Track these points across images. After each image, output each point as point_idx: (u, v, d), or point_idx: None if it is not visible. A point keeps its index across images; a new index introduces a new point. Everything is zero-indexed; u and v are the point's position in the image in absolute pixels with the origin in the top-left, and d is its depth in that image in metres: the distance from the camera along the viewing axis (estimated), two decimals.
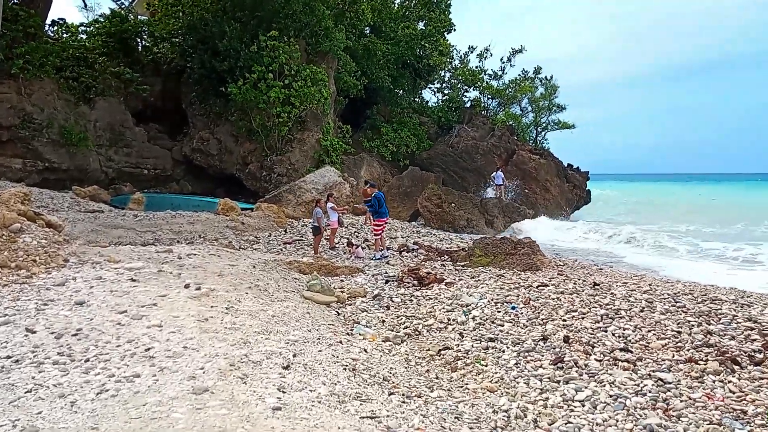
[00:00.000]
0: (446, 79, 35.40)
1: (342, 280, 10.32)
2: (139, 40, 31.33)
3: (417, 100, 38.18)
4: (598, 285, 8.72)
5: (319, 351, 5.90)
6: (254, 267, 8.97)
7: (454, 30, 36.24)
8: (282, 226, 19.53)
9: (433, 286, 9.48)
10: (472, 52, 35.25)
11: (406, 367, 6.34)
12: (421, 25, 35.44)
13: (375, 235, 14.12)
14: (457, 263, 12.21)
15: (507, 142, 31.72)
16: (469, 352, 6.73)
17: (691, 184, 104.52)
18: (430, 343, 7.18)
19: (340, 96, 30.86)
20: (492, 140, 31.50)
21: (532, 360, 6.31)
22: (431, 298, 8.82)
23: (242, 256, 9.96)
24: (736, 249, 19.23)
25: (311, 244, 16.39)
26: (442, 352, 6.87)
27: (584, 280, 9.44)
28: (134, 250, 8.91)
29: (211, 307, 6.41)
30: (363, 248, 14.73)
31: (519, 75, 35.02)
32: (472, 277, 10.41)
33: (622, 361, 5.98)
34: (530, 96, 35.11)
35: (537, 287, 8.82)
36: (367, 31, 35.26)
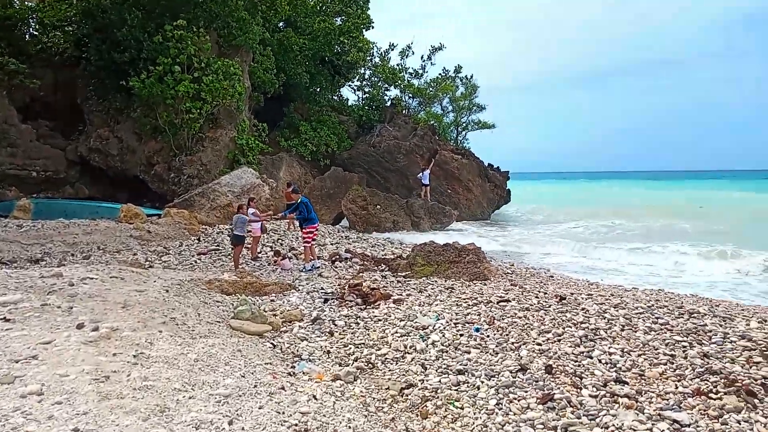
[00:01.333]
0: (366, 76, 34.37)
1: (273, 300, 8.93)
2: (26, 27, 28.08)
3: (336, 98, 36.90)
4: (565, 299, 7.92)
5: (260, 408, 4.59)
6: (168, 291, 7.41)
7: (373, 27, 35.29)
8: (195, 234, 17.71)
9: (379, 305, 8.33)
10: (392, 50, 34.48)
11: (366, 416, 5.16)
12: (338, 21, 34.21)
13: (305, 244, 12.76)
14: (398, 273, 11.14)
15: (429, 141, 31.15)
16: (438, 390, 5.64)
17: (579, 181, 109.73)
18: (389, 379, 6.03)
19: (255, 92, 29.03)
20: (414, 140, 30.81)
21: (516, 399, 5.32)
22: (380, 320, 7.66)
23: (152, 276, 8.33)
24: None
25: (230, 255, 14.80)
26: (406, 391, 5.74)
27: (545, 292, 8.63)
28: (10, 276, 7.10)
29: (114, 355, 4.91)
30: (290, 258, 13.34)
31: (440, 74, 34.64)
32: (420, 291, 9.36)
33: (621, 397, 5.10)
34: (451, 95, 34.80)
35: (499, 303, 7.89)
36: (281, 26, 33.58)
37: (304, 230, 12.81)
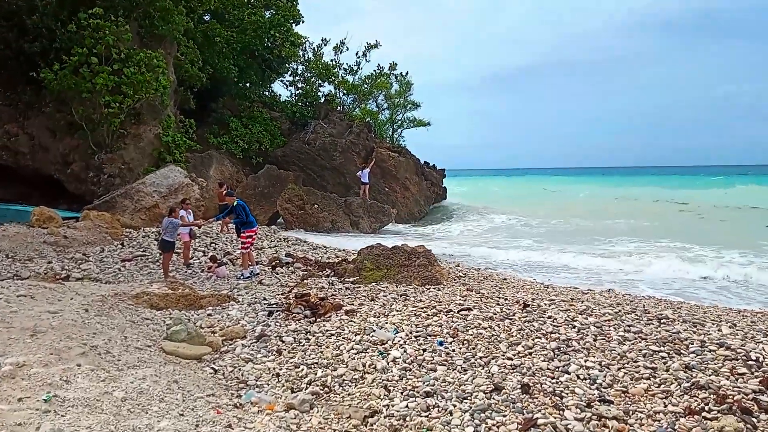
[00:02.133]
0: (299, 72, 33.29)
1: (210, 315, 8.03)
2: None
3: (267, 93, 35.61)
4: (529, 306, 7.49)
5: None
6: (87, 310, 6.40)
7: (303, 21, 34.27)
8: (118, 238, 16.32)
9: (330, 317, 7.62)
10: (326, 45, 33.53)
11: None
12: (267, 14, 32.94)
13: (243, 249, 11.81)
14: (346, 279, 10.44)
15: (366, 139, 30.54)
16: (407, 418, 5.03)
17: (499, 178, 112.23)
18: (349, 405, 5.36)
19: (181, 87, 27.42)
20: (350, 137, 30.11)
21: (495, 425, 4.78)
22: (333, 334, 6.96)
23: (68, 292, 7.24)
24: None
25: (158, 262, 13.65)
26: (370, 420, 5.09)
27: (505, 298, 8.19)
28: None
29: (20, 401, 3.99)
30: (225, 264, 12.36)
31: (374, 70, 34.02)
32: (372, 299, 8.71)
33: (609, 419, 4.66)
34: (386, 92, 34.29)
35: (460, 312, 7.36)
36: (206, 18, 31.98)
37: (242, 235, 11.86)
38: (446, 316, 7.25)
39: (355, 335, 6.84)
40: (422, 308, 7.63)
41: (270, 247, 14.82)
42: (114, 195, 18.78)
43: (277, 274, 11.69)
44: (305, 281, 10.45)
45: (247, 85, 33.32)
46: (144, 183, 19.22)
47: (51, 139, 23.04)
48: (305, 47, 33.12)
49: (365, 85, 33.41)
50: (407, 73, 35.06)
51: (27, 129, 22.94)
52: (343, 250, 15.64)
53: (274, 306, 8.36)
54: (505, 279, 11.01)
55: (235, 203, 11.86)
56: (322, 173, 29.93)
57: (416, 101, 35.91)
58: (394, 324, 7.08)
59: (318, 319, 7.52)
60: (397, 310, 7.69)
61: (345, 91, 33.26)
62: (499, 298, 8.23)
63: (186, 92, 27.41)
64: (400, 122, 36.12)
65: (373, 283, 10.01)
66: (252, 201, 24.67)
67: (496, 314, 7.23)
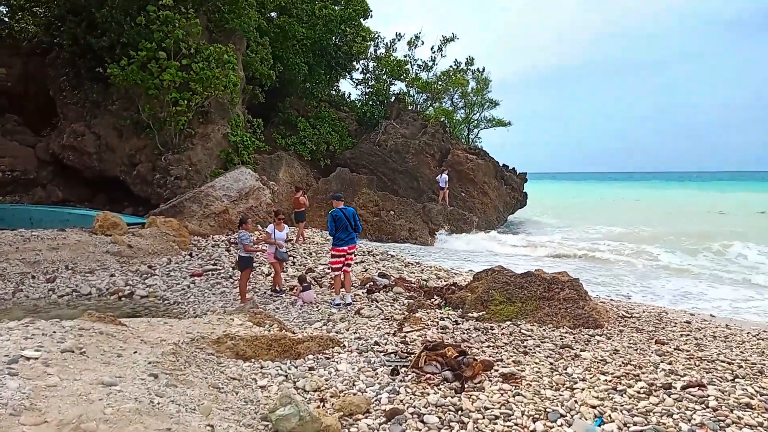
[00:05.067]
0: (370, 69, 31.45)
1: (312, 368, 6.06)
2: None
3: (334, 92, 34.00)
4: None
5: None
6: (156, 376, 4.53)
7: (371, 16, 32.43)
8: (185, 247, 14.79)
9: (482, 382, 5.51)
10: (399, 40, 31.55)
11: None
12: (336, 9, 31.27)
13: (333, 268, 9.82)
14: (468, 314, 8.31)
15: (441, 140, 28.39)
16: None
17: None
18: None
19: (250, 85, 26.01)
20: (424, 138, 28.02)
21: None
22: (497, 417, 4.83)
23: (130, 339, 5.41)
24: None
25: (231, 278, 11.91)
26: None
27: (738, 363, 5.88)
28: None
29: None
30: (311, 286, 10.42)
31: (451, 66, 31.81)
32: (524, 351, 6.54)
33: None
34: (462, 90, 32.03)
35: (686, 390, 5.12)
36: (273, 15, 30.58)
37: (332, 250, 9.82)
38: (668, 395, 5.00)
39: (533, 420, 4.70)
40: (618, 376, 5.42)
41: (356, 263, 12.85)
42: (182, 199, 17.33)
43: (376, 301, 9.66)
44: (414, 314, 8.38)
45: (315, 83, 31.80)
46: (213, 186, 17.71)
47: (117, 139, 21.98)
48: (377, 43, 31.23)
49: (440, 83, 31.24)
50: (483, 69, 32.72)
51: (93, 128, 21.99)
52: (443, 269, 13.49)
53: (396, 358, 6.32)
54: (688, 322, 8.55)
55: (330, 212, 9.85)
56: (394, 176, 27.93)
57: (495, 99, 33.50)
58: (588, 404, 4.89)
59: (465, 386, 5.41)
60: (580, 378, 5.50)
61: (418, 89, 31.17)
62: (726, 361, 5.91)
63: (255, 90, 25.95)
64: (476, 122, 33.80)
65: (508, 322, 7.86)
66: (322, 206, 22.99)
67: (752, 397, 4.92)
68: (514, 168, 31.01)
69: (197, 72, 20.78)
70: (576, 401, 5.03)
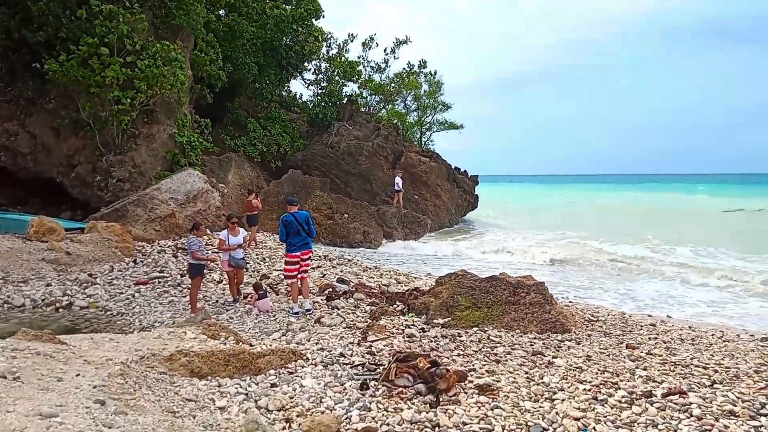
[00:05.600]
0: (322, 69, 30.95)
1: (275, 384, 5.64)
2: None
3: (285, 93, 33.35)
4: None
5: None
6: (103, 403, 4.01)
7: (323, 16, 31.97)
8: (129, 254, 14.00)
9: (457, 394, 5.24)
10: (352, 41, 31.21)
11: None
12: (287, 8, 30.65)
13: (287, 276, 9.37)
14: (433, 320, 8.05)
15: (394, 142, 28.22)
16: None
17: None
18: None
19: (198, 85, 25.11)
20: (378, 140, 27.78)
21: None
22: None
23: (72, 359, 4.83)
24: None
25: (180, 285, 11.30)
26: None
27: (713, 368, 5.83)
28: None
29: None
30: (267, 293, 9.92)
31: (404, 68, 31.65)
32: (497, 360, 6.31)
33: None
34: (414, 93, 31.94)
35: (667, 398, 5.00)
36: (222, 13, 29.71)
37: (287, 255, 9.35)
38: (651, 404, 4.86)
39: None
40: (596, 384, 5.26)
41: (312, 268, 12.43)
42: (125, 203, 16.45)
43: (337, 308, 9.28)
44: (378, 321, 8.06)
45: (265, 83, 31.06)
46: (159, 189, 16.89)
47: (54, 139, 20.73)
48: (329, 43, 30.81)
49: (393, 84, 31.07)
50: (436, 72, 32.74)
51: (28, 127, 20.65)
52: (402, 273, 13.21)
53: (364, 371, 5.97)
54: (653, 325, 8.53)
55: (281, 217, 9.41)
56: (347, 179, 27.55)
57: (447, 102, 33.53)
58: (570, 416, 4.70)
59: (440, 400, 5.13)
60: (559, 388, 5.30)
61: (371, 91, 30.91)
62: (700, 366, 5.84)
63: (203, 89, 25.07)
64: (429, 125, 33.80)
65: (475, 328, 7.64)
66: (274, 209, 22.41)
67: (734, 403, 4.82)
68: (465, 171, 31.16)
69: (142, 69, 19.86)
70: (558, 413, 4.84)
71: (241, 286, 10.47)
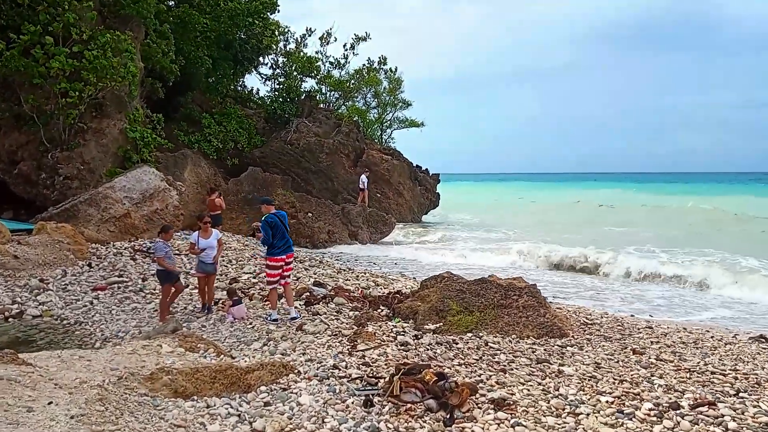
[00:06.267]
0: (280, 64, 30.10)
1: (268, 403, 5.13)
2: None
3: (240, 88, 32.35)
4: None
5: None
6: None
7: (279, 11, 31.11)
8: (83, 257, 13.08)
9: (470, 409, 4.86)
10: (310, 35, 30.44)
11: None
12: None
13: (270, 282, 8.81)
14: (424, 326, 7.66)
15: (356, 140, 27.71)
16: None
17: None
18: None
19: (149, 77, 23.92)
20: (338, 137, 27.21)
21: None
22: None
23: (41, 383, 4.15)
24: None
25: (143, 291, 10.56)
26: None
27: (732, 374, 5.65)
28: None
29: None
30: (242, 299, 9.30)
31: (364, 64, 31.13)
32: (503, 370, 5.98)
33: None
34: (375, 90, 31.48)
35: (696, 411, 4.76)
36: (171, 3, 28.45)
37: (267, 259, 8.79)
38: (682, 417, 4.62)
39: None
40: (618, 396, 4.98)
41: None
42: (75, 202, 15.39)
43: (318, 314, 8.76)
44: (365, 328, 7.62)
45: (219, 78, 29.97)
46: (112, 187, 15.89)
47: None
48: (287, 38, 30.02)
49: (353, 81, 30.52)
50: (396, 69, 32.37)
51: None
52: (380, 275, 12.76)
53: (364, 385, 5.52)
54: (650, 327, 8.35)
55: (264, 218, 8.86)
56: (307, 176, 26.89)
57: (407, 99, 33.21)
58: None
59: (455, 417, 4.74)
60: (578, 399, 5.00)
61: (329, 87, 30.29)
62: (717, 372, 5.65)
63: (155, 83, 23.92)
64: (389, 122, 33.42)
65: (469, 334, 7.30)
66: (234, 208, 21.66)
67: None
68: (427, 169, 30.98)
69: (90, 60, 18.70)
70: (585, 429, 4.53)
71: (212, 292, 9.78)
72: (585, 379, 5.76)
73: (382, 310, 8.80)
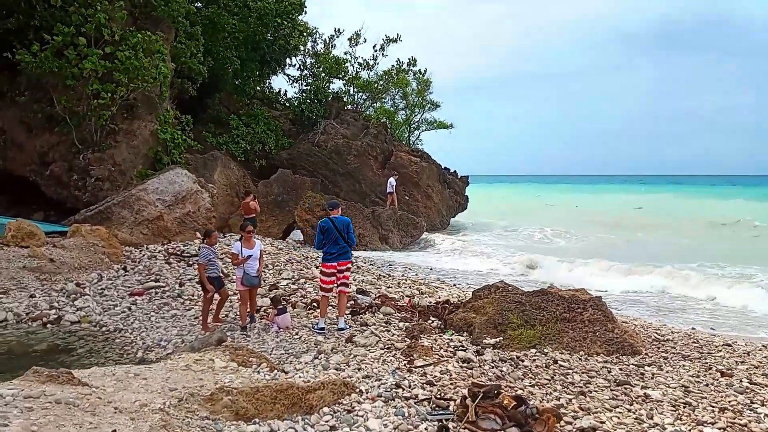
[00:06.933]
0: (308, 65, 29.88)
1: (333, 428, 4.77)
2: None
3: (266, 89, 32.19)
4: None
5: None
6: None
7: (306, 12, 30.88)
8: (117, 260, 12.88)
9: None
10: (338, 36, 30.16)
11: None
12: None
13: (322, 288, 8.40)
14: (482, 340, 7.24)
15: (384, 141, 27.35)
16: None
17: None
18: None
19: (179, 79, 23.83)
20: (367, 139, 26.88)
21: None
22: None
23: (100, 409, 3.83)
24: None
25: (181, 297, 10.29)
26: None
27: None
28: None
29: None
30: (286, 308, 8.94)
31: (393, 65, 30.75)
32: (581, 392, 5.55)
33: None
34: (403, 91, 31.08)
35: None
36: (198, 5, 28.37)
37: (323, 265, 8.37)
38: None
39: None
40: (722, 428, 4.52)
41: (297, 269, 11.50)
42: (109, 204, 15.23)
43: (366, 324, 8.39)
44: (418, 341, 7.22)
45: (246, 79, 29.85)
46: (145, 189, 15.71)
47: (26, 135, 19.28)
48: (315, 39, 29.78)
49: (381, 82, 30.16)
50: (425, 71, 31.93)
51: None
52: (423, 283, 12.35)
53: (435, 408, 5.14)
54: (728, 344, 7.83)
55: (323, 220, 8.44)
56: (335, 178, 26.60)
57: (436, 101, 32.73)
58: None
59: None
60: (676, 430, 4.55)
61: (358, 89, 29.97)
62: None
63: (185, 82, 23.81)
64: (417, 124, 32.98)
65: (533, 350, 6.87)
66: (264, 210, 21.36)
67: None
68: (455, 171, 30.51)
69: (122, 61, 18.59)
70: None
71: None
72: (678, 405, 5.30)
73: (433, 321, 8.41)
